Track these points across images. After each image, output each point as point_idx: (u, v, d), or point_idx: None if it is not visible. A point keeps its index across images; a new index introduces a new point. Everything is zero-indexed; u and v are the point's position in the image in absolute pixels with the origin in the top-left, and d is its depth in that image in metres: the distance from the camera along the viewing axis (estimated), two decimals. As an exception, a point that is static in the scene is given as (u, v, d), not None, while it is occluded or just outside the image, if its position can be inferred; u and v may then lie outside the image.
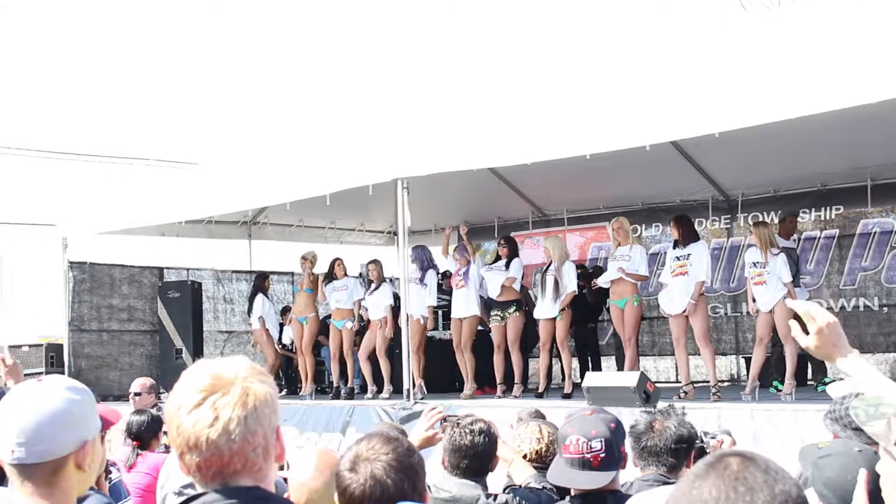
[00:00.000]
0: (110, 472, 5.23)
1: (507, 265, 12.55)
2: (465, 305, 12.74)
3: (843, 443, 3.14)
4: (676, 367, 14.63)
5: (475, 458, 4.48)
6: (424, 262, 13.16)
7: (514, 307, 12.41)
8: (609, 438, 3.89)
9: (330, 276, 13.98)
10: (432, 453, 4.82)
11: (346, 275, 13.98)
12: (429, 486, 4.43)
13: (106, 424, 2.77)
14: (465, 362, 12.67)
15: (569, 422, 4.05)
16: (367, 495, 2.75)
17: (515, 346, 12.37)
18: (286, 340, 15.74)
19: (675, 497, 1.73)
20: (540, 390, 12.30)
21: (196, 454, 2.17)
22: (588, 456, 3.86)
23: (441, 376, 13.43)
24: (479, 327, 13.32)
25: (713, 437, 4.68)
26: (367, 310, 13.48)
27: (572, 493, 4.00)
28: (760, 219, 13.48)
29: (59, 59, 24.89)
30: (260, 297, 14.98)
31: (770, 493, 1.67)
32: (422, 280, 12.94)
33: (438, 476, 4.56)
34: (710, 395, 10.59)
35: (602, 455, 3.86)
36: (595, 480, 3.86)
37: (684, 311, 10.90)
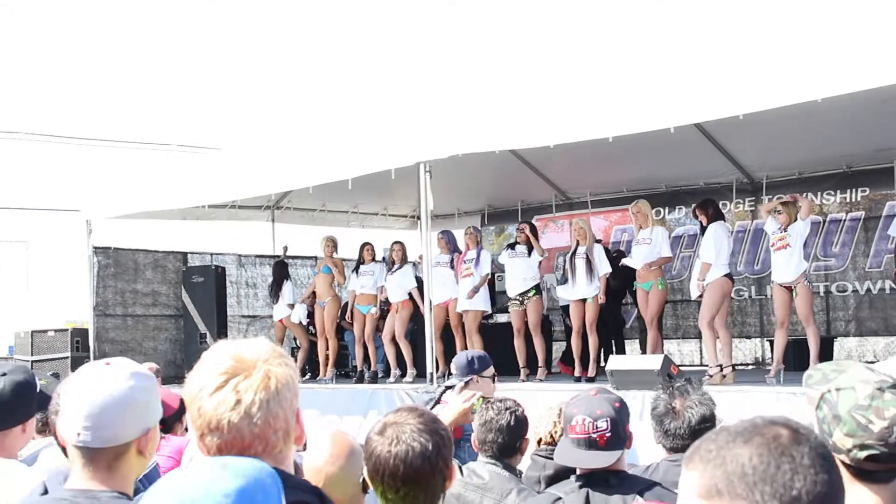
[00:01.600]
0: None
1: (530, 251, 12.52)
2: (470, 298, 12.73)
3: None
4: (701, 351, 14.61)
5: (501, 433, 4.48)
6: (452, 245, 13.19)
7: (534, 291, 12.38)
8: (614, 418, 3.89)
9: (359, 261, 13.98)
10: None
11: (374, 260, 13.96)
12: (459, 467, 4.45)
13: (167, 410, 2.79)
14: (474, 346, 12.65)
15: (574, 402, 4.06)
16: (394, 455, 2.79)
17: (537, 329, 12.35)
18: (294, 319, 15.65)
19: (706, 448, 1.57)
20: (586, 373, 12.08)
21: (217, 436, 2.17)
22: (594, 436, 3.86)
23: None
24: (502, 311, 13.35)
25: None
26: (386, 291, 13.47)
27: (578, 471, 3.99)
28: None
29: (83, 45, 24.97)
30: (289, 285, 14.99)
31: (812, 482, 1.51)
32: (451, 263, 12.94)
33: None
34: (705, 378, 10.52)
35: (608, 435, 3.86)
36: (602, 460, 3.87)
37: (699, 296, 10.91)
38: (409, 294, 13.23)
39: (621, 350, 13.92)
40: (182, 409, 6.92)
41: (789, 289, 10.46)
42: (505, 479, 4.38)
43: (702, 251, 10.96)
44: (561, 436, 4.70)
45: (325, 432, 3.31)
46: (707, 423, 4.34)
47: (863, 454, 2.32)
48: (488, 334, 12.91)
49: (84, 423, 2.49)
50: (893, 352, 13.56)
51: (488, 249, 13.87)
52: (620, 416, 3.95)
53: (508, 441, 4.50)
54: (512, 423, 4.51)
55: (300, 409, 2.29)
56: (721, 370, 10.74)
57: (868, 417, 2.33)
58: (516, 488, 4.34)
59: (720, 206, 11.92)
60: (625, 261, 12.20)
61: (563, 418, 4.13)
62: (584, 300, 11.95)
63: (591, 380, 11.63)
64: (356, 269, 13.97)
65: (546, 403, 5.17)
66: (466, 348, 12.80)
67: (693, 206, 11.84)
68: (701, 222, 11.25)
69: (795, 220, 10.59)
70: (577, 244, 12.10)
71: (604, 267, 11.93)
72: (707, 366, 11.19)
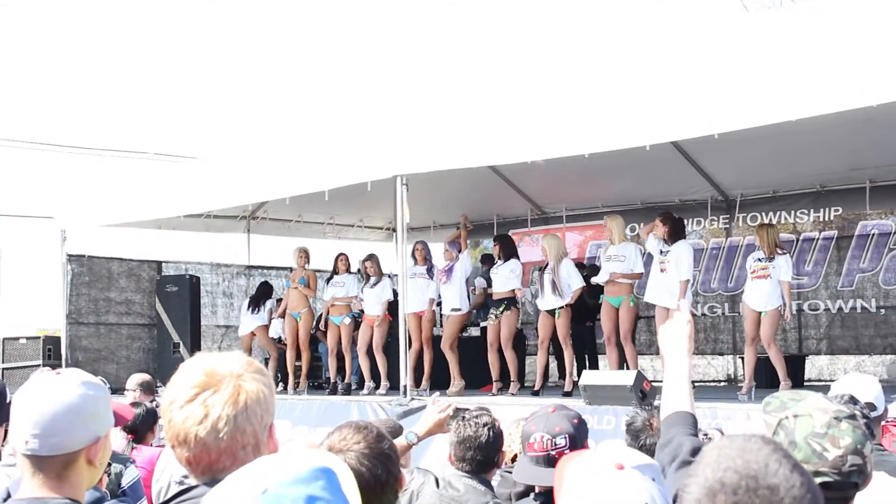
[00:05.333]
0: (110, 467, 5.23)
1: (505, 264, 12.53)
2: (449, 303, 12.75)
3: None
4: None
5: (480, 450, 4.47)
6: (429, 255, 13.24)
7: (504, 306, 12.37)
8: (573, 434, 3.88)
9: (333, 272, 13.97)
10: (429, 446, 4.81)
11: (348, 271, 13.94)
12: (437, 479, 4.45)
13: (119, 421, 2.77)
14: (448, 359, 12.67)
15: (532, 419, 4.04)
16: None
17: (508, 344, 12.29)
18: (273, 334, 15.64)
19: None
20: (536, 388, 12.29)
21: (185, 449, 2.18)
22: (553, 453, 3.85)
23: (437, 373, 13.36)
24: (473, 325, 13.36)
25: (705, 434, 4.68)
26: (363, 302, 13.44)
27: (536, 490, 3.98)
28: (762, 220, 13.48)
29: (59, 51, 24.89)
30: (271, 303, 14.97)
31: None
32: (429, 272, 12.95)
33: (448, 473, 4.56)
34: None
35: (566, 451, 3.84)
36: None
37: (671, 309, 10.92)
38: (388, 307, 13.24)
39: (594, 365, 13.94)
40: (149, 419, 6.91)
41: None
42: (480, 493, 4.38)
43: (676, 270, 10.94)
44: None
45: (297, 446, 3.32)
46: None
47: (817, 481, 2.36)
48: (462, 347, 12.93)
49: (32, 430, 2.47)
50: (865, 371, 13.66)
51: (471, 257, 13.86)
52: (579, 432, 3.93)
53: (487, 457, 4.50)
54: (491, 439, 4.51)
55: (274, 424, 2.29)
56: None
57: (823, 445, 2.38)
58: (491, 502, 4.34)
59: (685, 223, 12.00)
60: (595, 279, 12.15)
61: (522, 435, 4.12)
62: (552, 314, 11.96)
63: (567, 394, 11.64)
64: (329, 280, 13.96)
65: (512, 419, 5.17)
66: (446, 361, 12.80)
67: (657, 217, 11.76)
68: (663, 237, 11.24)
69: (775, 246, 10.66)
70: (548, 261, 12.14)
71: (575, 282, 11.94)
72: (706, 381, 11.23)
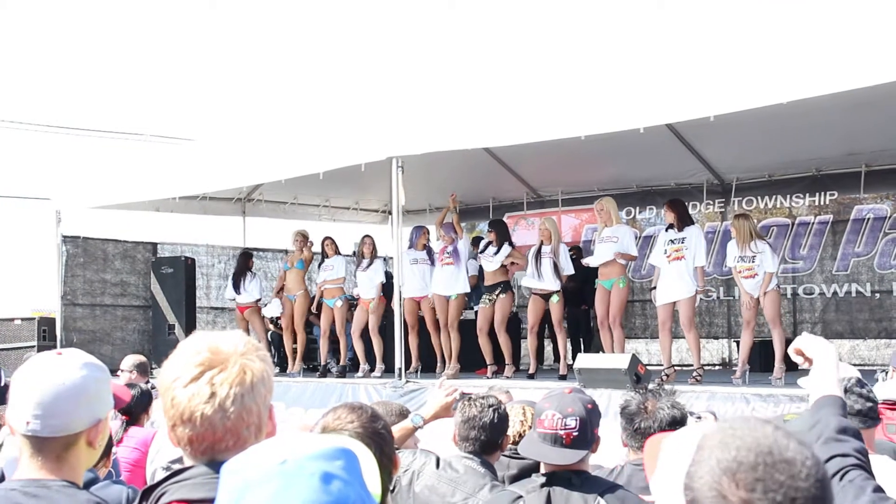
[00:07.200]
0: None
1: (498, 251, 12.48)
2: (453, 283, 12.68)
3: (804, 420, 3.14)
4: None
5: (484, 431, 4.48)
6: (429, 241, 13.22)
7: (500, 289, 12.37)
8: (584, 418, 3.88)
9: (322, 255, 13.98)
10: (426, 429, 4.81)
11: (337, 253, 13.93)
12: (438, 460, 4.46)
13: (117, 403, 2.77)
14: (451, 341, 12.64)
15: (547, 397, 4.06)
16: None
17: (502, 327, 12.29)
18: (268, 314, 15.64)
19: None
20: (531, 371, 12.30)
21: (189, 428, 2.16)
22: (561, 433, 3.85)
23: (428, 356, 13.34)
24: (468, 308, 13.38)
25: (698, 418, 4.69)
26: (356, 287, 13.44)
27: (542, 469, 3.99)
28: (741, 210, 13.40)
29: (56, 33, 24.82)
30: (250, 276, 14.97)
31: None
32: (430, 255, 12.92)
33: (450, 453, 4.57)
34: (689, 379, 10.58)
35: (575, 434, 3.85)
36: (565, 457, 3.84)
37: (681, 299, 10.89)
38: (381, 289, 13.23)
39: (589, 348, 13.95)
40: (144, 400, 6.88)
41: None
42: (479, 475, 4.38)
43: (692, 255, 10.88)
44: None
45: (293, 427, 3.32)
46: (678, 425, 4.33)
47: None
48: (459, 329, 12.94)
49: (34, 411, 2.46)
50: (859, 355, 13.72)
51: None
52: (591, 417, 3.93)
53: (490, 438, 4.51)
54: (495, 421, 4.51)
55: (272, 405, 2.28)
56: (672, 370, 10.90)
57: None
58: (490, 484, 4.33)
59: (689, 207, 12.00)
60: (585, 261, 12.17)
61: (535, 412, 4.13)
62: (545, 298, 11.96)
63: (562, 378, 11.66)
64: (320, 265, 13.96)
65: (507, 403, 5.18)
66: (442, 344, 12.78)
67: (664, 203, 11.77)
68: (672, 223, 11.19)
69: (752, 237, 10.63)
70: (542, 243, 12.10)
71: (568, 268, 11.96)
72: (691, 366, 11.24)
